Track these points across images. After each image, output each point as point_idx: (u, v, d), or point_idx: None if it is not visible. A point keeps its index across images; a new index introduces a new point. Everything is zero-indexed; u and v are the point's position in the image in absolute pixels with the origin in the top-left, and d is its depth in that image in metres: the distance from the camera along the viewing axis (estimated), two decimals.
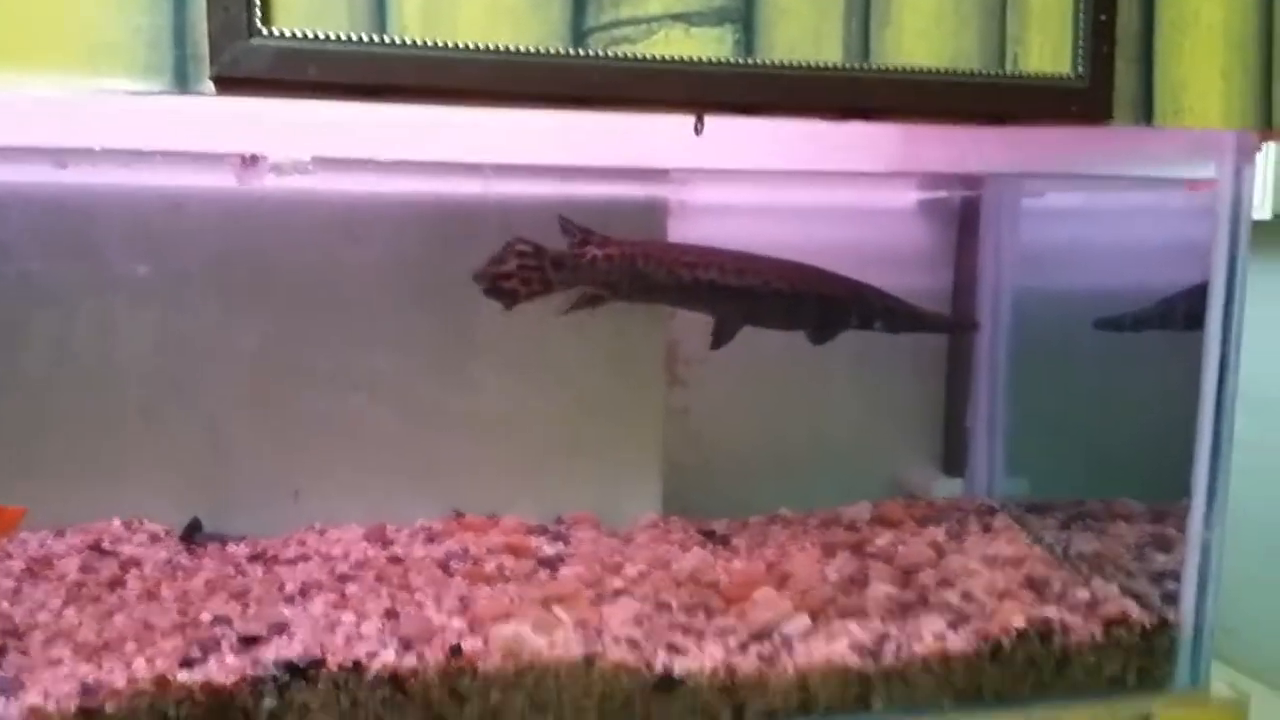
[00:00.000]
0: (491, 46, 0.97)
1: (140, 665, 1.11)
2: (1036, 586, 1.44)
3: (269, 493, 1.54)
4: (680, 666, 1.21)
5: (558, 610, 1.29)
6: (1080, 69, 1.08)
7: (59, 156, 1.34)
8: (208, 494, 1.52)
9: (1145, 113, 1.14)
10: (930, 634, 1.30)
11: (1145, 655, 1.35)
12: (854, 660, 1.26)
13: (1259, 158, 1.26)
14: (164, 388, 1.51)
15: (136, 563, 1.38)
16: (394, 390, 1.57)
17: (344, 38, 0.93)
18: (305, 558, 1.43)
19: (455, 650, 1.16)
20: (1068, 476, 1.70)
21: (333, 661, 1.13)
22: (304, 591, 1.31)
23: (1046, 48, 1.09)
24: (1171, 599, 1.38)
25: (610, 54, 0.97)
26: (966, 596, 1.40)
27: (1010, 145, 1.37)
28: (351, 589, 1.32)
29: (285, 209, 1.47)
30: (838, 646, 1.28)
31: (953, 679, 1.28)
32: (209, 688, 1.09)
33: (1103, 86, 1.10)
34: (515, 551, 1.47)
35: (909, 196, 1.79)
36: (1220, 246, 1.24)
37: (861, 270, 1.60)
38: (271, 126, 1.22)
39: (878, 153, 1.49)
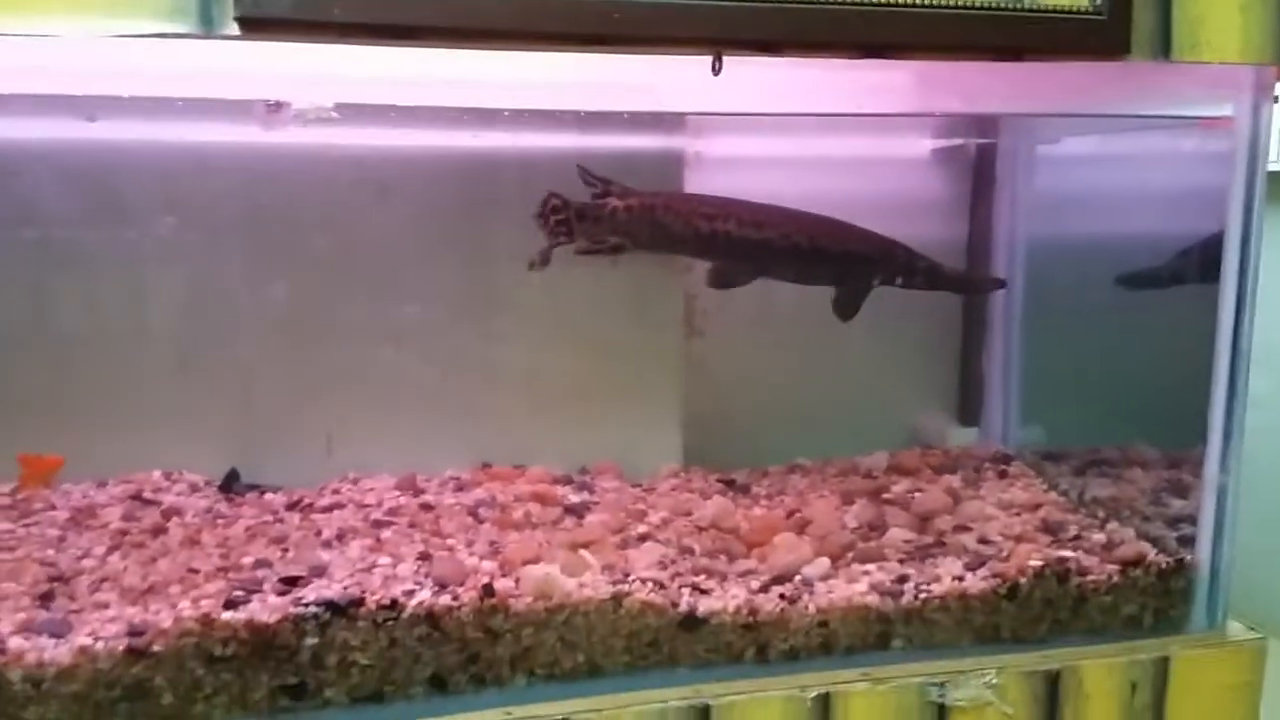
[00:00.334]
0: None
1: (185, 607, 1.15)
2: (1052, 530, 1.47)
3: (302, 444, 1.58)
4: (704, 606, 1.25)
5: (585, 554, 1.32)
6: (1098, 2, 1.08)
7: (88, 109, 1.36)
8: (243, 446, 1.56)
9: (1163, 47, 1.14)
10: (949, 576, 1.33)
11: (1162, 596, 1.38)
12: (874, 600, 1.29)
13: (1277, 107, 1.26)
14: (199, 341, 1.54)
15: (177, 511, 1.42)
16: (422, 343, 1.60)
17: None
18: (340, 505, 1.47)
19: (488, 590, 1.20)
20: (1083, 424, 1.71)
21: (371, 600, 1.17)
22: (340, 537, 1.35)
23: None
24: (1188, 542, 1.41)
25: None
26: (983, 540, 1.43)
27: (1026, 85, 1.37)
28: (386, 534, 1.36)
29: (312, 161, 1.49)
30: (857, 588, 1.31)
31: (971, 619, 1.32)
32: (253, 626, 1.13)
33: (1120, 20, 1.10)
34: (542, 499, 1.51)
35: (924, 145, 1.79)
36: (1237, 183, 1.25)
37: (876, 220, 1.60)
38: (294, 74, 1.23)
39: (894, 100, 1.49)
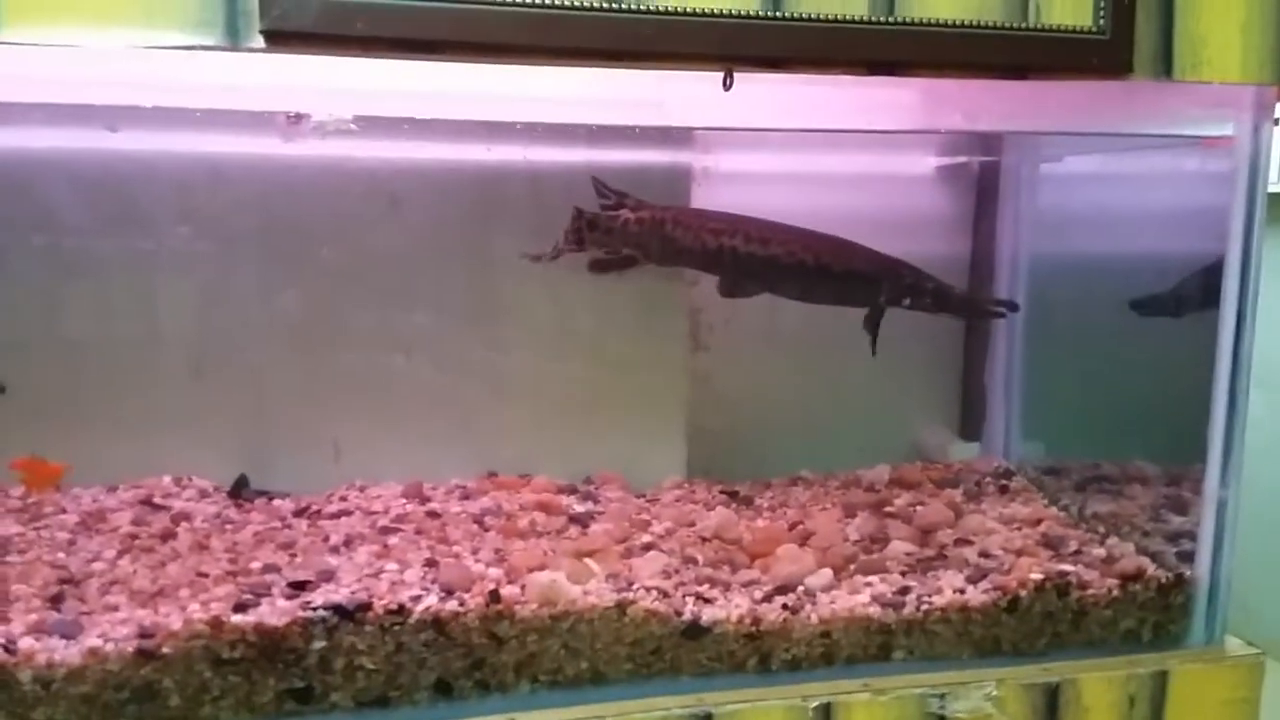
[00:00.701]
0: (530, 0, 1.00)
1: (195, 610, 1.17)
2: (1053, 545, 1.48)
3: (310, 452, 1.59)
4: (708, 615, 1.26)
5: (589, 562, 1.34)
6: (1101, 21, 1.10)
7: (110, 119, 1.38)
8: (252, 452, 1.57)
9: (1165, 67, 1.16)
10: (950, 588, 1.34)
11: (1161, 611, 1.38)
12: (876, 612, 1.30)
13: (1277, 129, 1.27)
14: (211, 349, 1.56)
15: (187, 516, 1.43)
16: (429, 353, 1.62)
17: None
18: (347, 512, 1.48)
19: (494, 596, 1.21)
20: (1084, 440, 1.73)
21: (379, 605, 1.18)
22: (348, 543, 1.36)
23: (1068, 0, 1.11)
24: (1187, 558, 1.42)
25: (642, 7, 1.00)
26: (984, 554, 1.44)
27: (1029, 104, 1.39)
28: (393, 541, 1.37)
29: (325, 172, 1.51)
30: (859, 599, 1.32)
31: (971, 631, 1.33)
32: (261, 629, 1.14)
33: (1123, 39, 1.12)
34: (546, 509, 1.52)
35: (928, 162, 1.81)
36: (1237, 202, 1.26)
37: (880, 235, 1.62)
38: (308, 86, 1.26)
39: (899, 117, 1.51)
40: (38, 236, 1.47)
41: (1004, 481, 1.74)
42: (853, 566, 1.40)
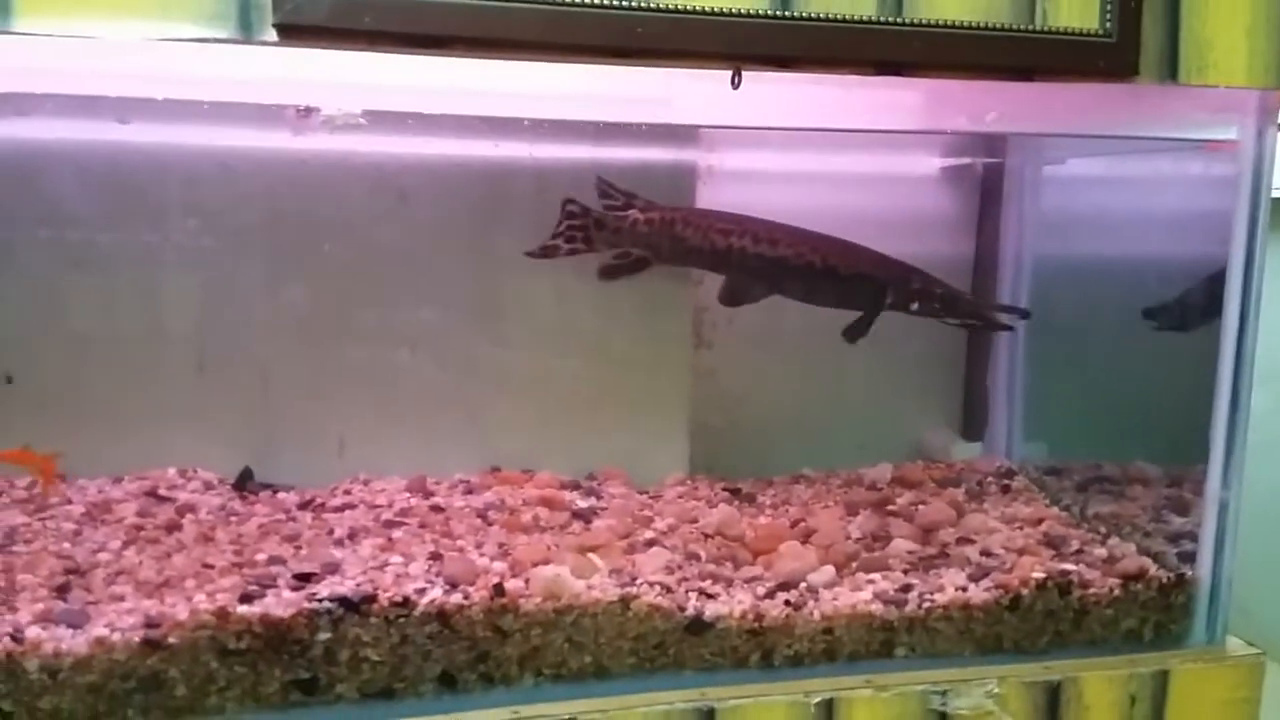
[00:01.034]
0: None
1: (201, 600, 1.17)
2: (1054, 544, 1.49)
3: (315, 445, 1.60)
4: (711, 610, 1.27)
5: (593, 557, 1.34)
6: (1108, 24, 1.11)
7: (121, 111, 1.39)
8: (257, 445, 1.58)
9: (1170, 70, 1.17)
10: (952, 586, 1.35)
11: (1162, 611, 1.39)
12: (878, 609, 1.31)
13: None
14: (217, 342, 1.56)
15: (191, 508, 1.44)
16: (434, 348, 1.63)
17: None
18: (351, 506, 1.49)
19: (499, 589, 1.22)
20: (1085, 440, 1.73)
21: (384, 598, 1.18)
22: (352, 536, 1.37)
23: (1075, 3, 1.12)
24: (1188, 558, 1.42)
25: (653, 5, 1.01)
26: (986, 552, 1.45)
27: (1034, 106, 1.40)
28: (397, 534, 1.38)
29: (332, 167, 1.52)
30: (862, 596, 1.33)
31: (973, 629, 1.33)
32: (267, 620, 1.14)
33: (1130, 42, 1.12)
34: (550, 504, 1.53)
35: (932, 163, 1.82)
36: (1241, 205, 1.27)
37: (884, 235, 1.63)
38: (317, 81, 1.26)
39: (904, 118, 1.52)
40: (45, 228, 1.48)
41: (1006, 481, 1.74)
42: (855, 564, 1.40)
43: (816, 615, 1.29)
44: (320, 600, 1.17)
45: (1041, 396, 1.83)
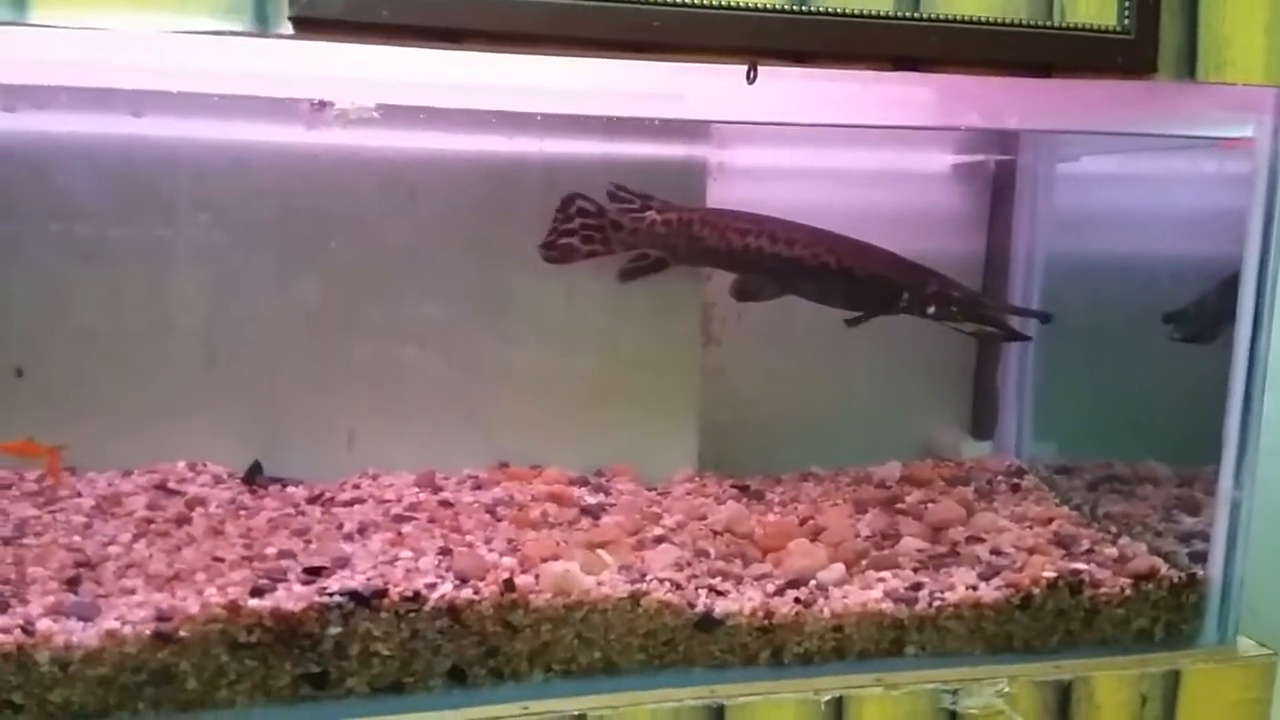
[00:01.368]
0: None
1: (211, 594, 1.17)
2: (1065, 543, 1.48)
3: (324, 439, 1.60)
4: (720, 607, 1.26)
5: (602, 553, 1.34)
6: (1126, 21, 1.10)
7: (135, 104, 1.39)
8: (266, 439, 1.58)
9: (1188, 67, 1.16)
10: (962, 585, 1.34)
11: (1173, 611, 1.39)
12: (888, 607, 1.30)
13: None
14: (227, 336, 1.56)
15: (201, 501, 1.44)
16: (443, 343, 1.62)
17: None
18: (360, 500, 1.49)
19: (509, 585, 1.22)
20: (1096, 440, 1.73)
21: (394, 592, 1.18)
22: (362, 530, 1.37)
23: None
24: (1199, 558, 1.42)
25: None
26: (996, 551, 1.45)
27: (1048, 102, 1.39)
28: (406, 529, 1.38)
29: (343, 161, 1.52)
30: (872, 594, 1.32)
31: (984, 628, 1.33)
32: (278, 614, 1.14)
33: (1148, 39, 1.12)
34: (558, 500, 1.52)
35: (945, 160, 1.81)
36: (1256, 204, 1.26)
37: (896, 232, 1.62)
38: (326, 75, 1.26)
39: (917, 115, 1.51)
40: (57, 222, 1.48)
41: (1016, 480, 1.74)
42: (864, 562, 1.40)
43: (826, 613, 1.29)
44: (331, 594, 1.17)
45: (1052, 395, 1.82)
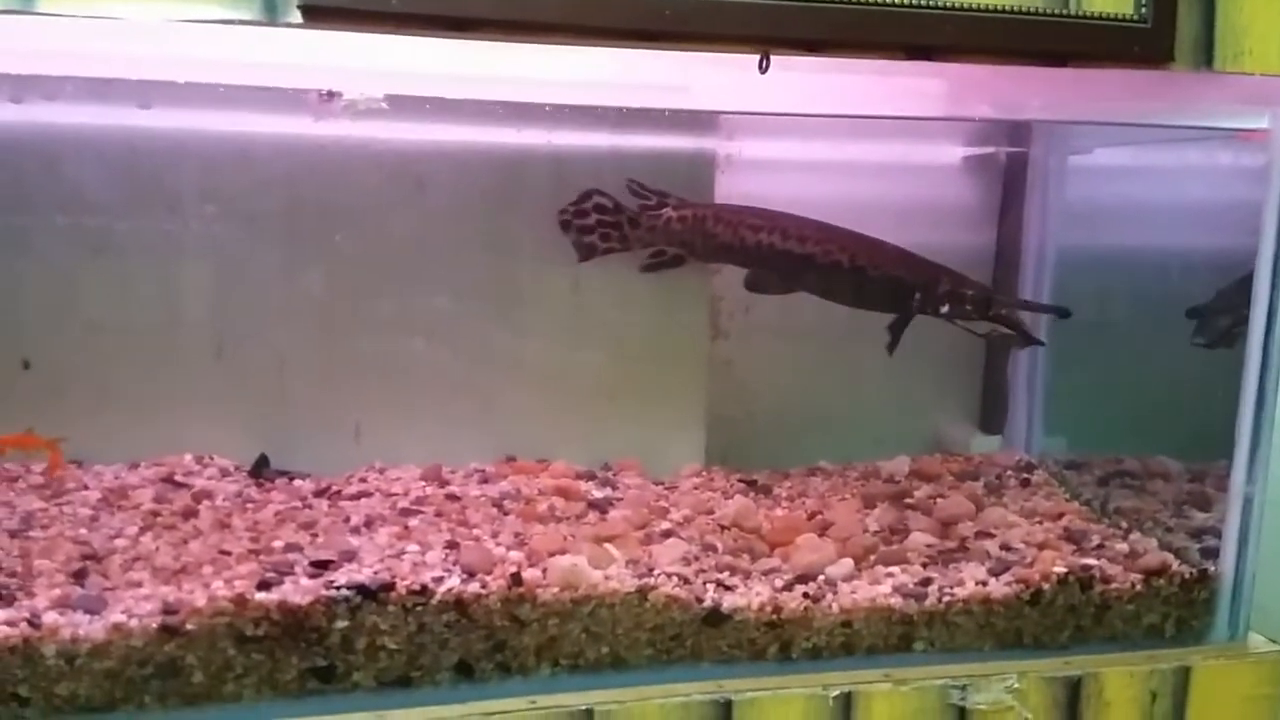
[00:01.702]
0: None
1: (218, 587, 1.17)
2: (1075, 539, 1.47)
3: (331, 433, 1.59)
4: (728, 602, 1.26)
5: (609, 547, 1.34)
6: (1143, 9, 1.10)
7: (142, 95, 1.38)
8: (273, 432, 1.57)
9: (1206, 56, 1.15)
10: (972, 580, 1.34)
11: (1184, 607, 1.38)
12: (897, 602, 1.30)
13: None
14: (235, 329, 1.56)
15: (208, 495, 1.44)
16: (450, 336, 1.62)
17: None
18: (367, 494, 1.48)
19: (516, 579, 1.21)
20: (1106, 435, 1.72)
21: (401, 586, 1.18)
22: (368, 524, 1.36)
23: None
24: (1211, 554, 1.41)
25: None
26: (1006, 546, 1.44)
27: (1061, 93, 1.37)
28: (413, 522, 1.37)
29: (351, 153, 1.51)
30: (881, 589, 1.32)
31: (993, 623, 1.32)
32: (285, 607, 1.14)
33: (1165, 28, 1.11)
34: (565, 494, 1.52)
35: (955, 152, 1.80)
36: (1271, 195, 1.25)
37: (906, 225, 1.61)
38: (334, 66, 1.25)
39: (928, 106, 1.50)
40: (64, 214, 1.47)
41: (1025, 475, 1.73)
42: (873, 557, 1.39)
43: (835, 608, 1.28)
44: (338, 588, 1.16)
45: (1062, 389, 1.81)
